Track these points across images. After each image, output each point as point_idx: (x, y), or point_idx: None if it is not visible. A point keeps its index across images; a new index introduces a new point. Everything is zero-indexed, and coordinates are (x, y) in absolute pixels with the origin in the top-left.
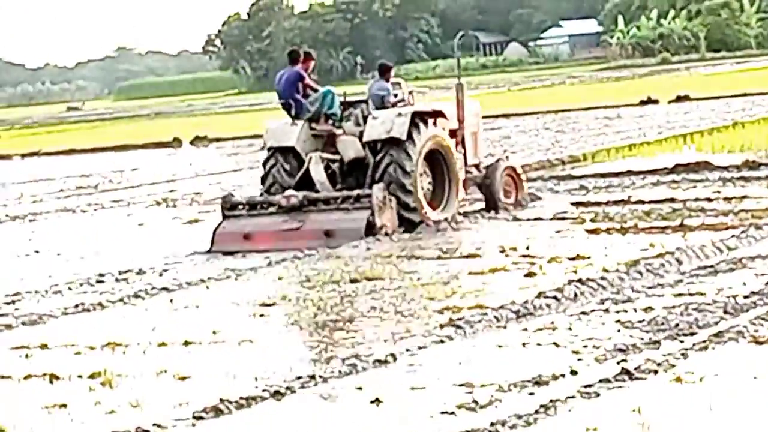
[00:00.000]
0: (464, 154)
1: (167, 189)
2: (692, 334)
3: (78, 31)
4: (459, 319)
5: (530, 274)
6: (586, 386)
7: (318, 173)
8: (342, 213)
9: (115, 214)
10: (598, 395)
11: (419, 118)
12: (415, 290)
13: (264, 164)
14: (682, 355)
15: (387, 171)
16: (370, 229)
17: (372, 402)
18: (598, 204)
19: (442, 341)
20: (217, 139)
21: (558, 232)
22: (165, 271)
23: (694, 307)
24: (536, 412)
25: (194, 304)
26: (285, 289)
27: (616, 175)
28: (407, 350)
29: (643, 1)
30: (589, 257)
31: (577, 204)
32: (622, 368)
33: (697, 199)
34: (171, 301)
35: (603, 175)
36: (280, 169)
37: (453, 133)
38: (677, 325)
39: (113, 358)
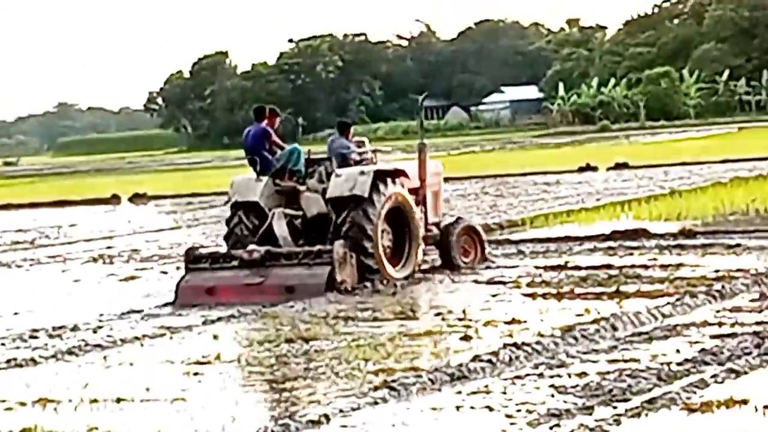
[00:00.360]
0: (425, 213)
1: (104, 245)
2: (626, 400)
3: (18, 85)
4: (393, 381)
5: (466, 338)
6: None
7: (280, 228)
8: (303, 268)
9: (51, 269)
10: None
11: (381, 176)
12: (350, 351)
13: (228, 220)
14: (615, 421)
15: (348, 232)
16: (331, 285)
17: None
18: (536, 268)
19: (376, 403)
20: (156, 197)
21: (494, 295)
22: (99, 327)
23: (628, 373)
24: None
25: (128, 361)
26: (220, 348)
27: (554, 240)
28: (341, 411)
29: (584, 68)
30: (524, 321)
31: (513, 267)
32: None
33: (633, 266)
34: (105, 358)
35: (541, 240)
36: (242, 224)
37: (415, 192)
38: (611, 390)
39: (44, 415)
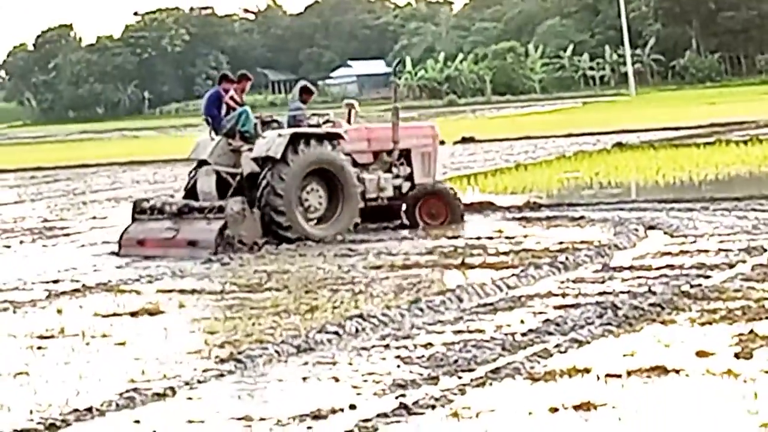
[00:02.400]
0: (411, 173)
1: None
2: (470, 370)
3: None
4: (239, 353)
5: (312, 309)
6: (364, 420)
7: (204, 184)
8: (204, 223)
9: None
10: (376, 429)
11: (300, 138)
12: (196, 324)
13: (189, 173)
14: (460, 390)
15: (263, 192)
16: (225, 240)
17: None
18: (380, 241)
19: (222, 375)
20: (0, 171)
21: (340, 267)
22: None
23: (473, 343)
24: None
25: None
26: (64, 322)
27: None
28: (186, 384)
29: (431, 43)
30: (371, 293)
31: (361, 241)
32: (401, 403)
33: (478, 238)
34: None
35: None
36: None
37: (388, 153)
38: (456, 361)
39: None
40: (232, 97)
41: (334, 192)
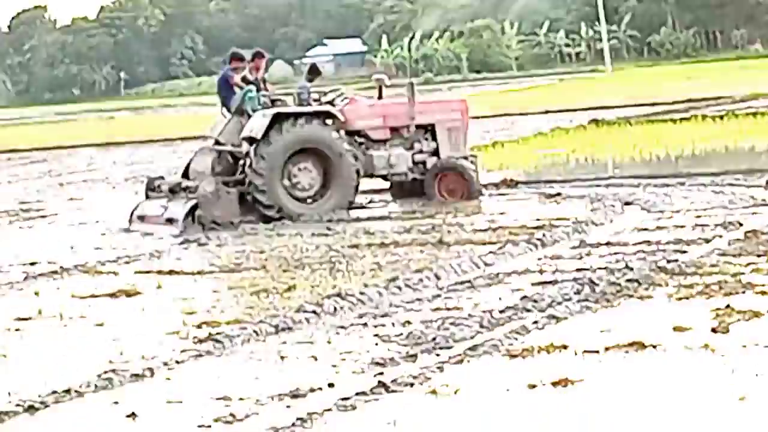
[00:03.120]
0: (436, 149)
1: None
2: (448, 347)
3: None
4: (218, 333)
5: (290, 288)
6: (343, 399)
7: (198, 163)
8: (183, 202)
9: None
10: (355, 408)
11: (282, 118)
12: (174, 304)
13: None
14: (438, 368)
15: (245, 171)
16: (196, 219)
17: (128, 416)
18: (357, 220)
19: (200, 355)
20: None
21: (317, 247)
22: None
23: (451, 321)
24: (293, 424)
25: None
26: (42, 304)
27: (377, 191)
28: (165, 364)
29: (407, 22)
30: (348, 272)
31: (338, 220)
32: (379, 381)
33: (456, 215)
34: None
35: (364, 192)
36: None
37: (400, 129)
38: (434, 339)
39: None
40: (244, 78)
41: (328, 171)
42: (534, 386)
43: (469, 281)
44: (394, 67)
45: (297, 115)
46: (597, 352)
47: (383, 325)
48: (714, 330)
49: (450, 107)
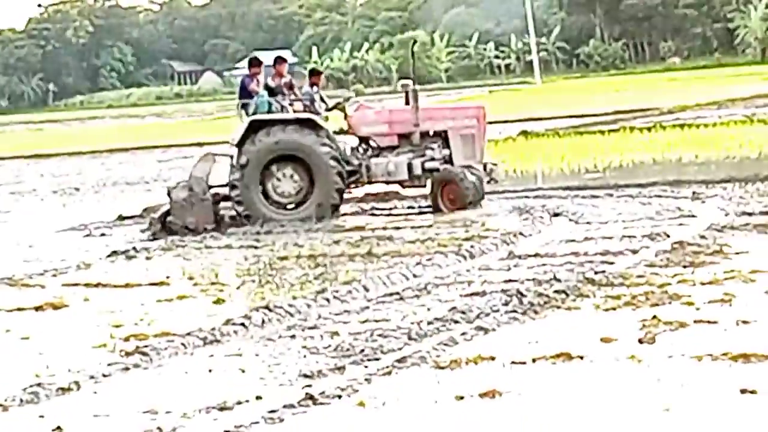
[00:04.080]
0: (449, 156)
1: None
2: (376, 359)
3: None
4: (145, 346)
5: (218, 301)
6: (270, 411)
7: (198, 169)
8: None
9: None
10: (282, 420)
11: (258, 126)
12: (101, 317)
13: None
14: (366, 380)
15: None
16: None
17: (54, 430)
18: (286, 232)
19: (127, 368)
20: None
21: (246, 259)
22: None
23: (380, 333)
24: None
25: None
26: None
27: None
28: (92, 378)
29: (338, 33)
30: (277, 284)
31: (267, 232)
32: (307, 393)
33: (385, 228)
34: None
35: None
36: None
37: (408, 135)
38: (362, 350)
39: None
40: (266, 84)
41: (311, 177)
42: (462, 398)
43: (397, 293)
44: (326, 78)
45: (272, 123)
46: (525, 363)
47: (311, 337)
48: (640, 341)
49: (465, 114)
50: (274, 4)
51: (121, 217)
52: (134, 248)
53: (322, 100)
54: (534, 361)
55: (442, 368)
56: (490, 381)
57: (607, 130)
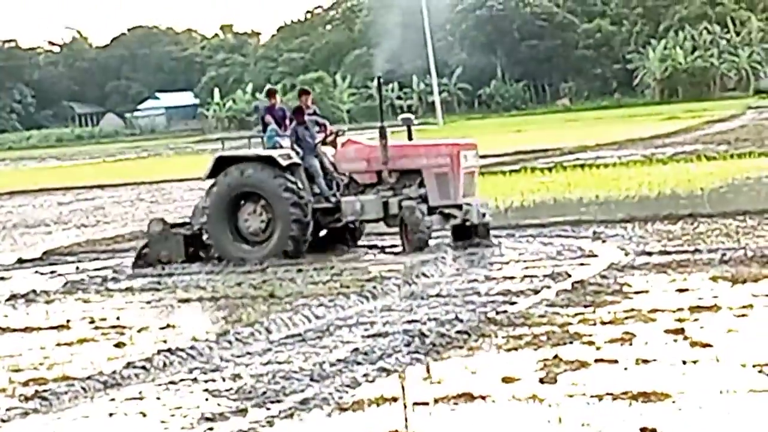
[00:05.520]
0: (425, 194)
1: None
2: (279, 401)
3: None
4: (45, 390)
5: (119, 344)
6: None
7: (203, 199)
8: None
9: None
10: None
11: (223, 163)
12: (0, 362)
13: None
14: (268, 422)
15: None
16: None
17: None
18: (189, 274)
19: (27, 413)
20: None
21: (149, 302)
22: None
23: (282, 375)
24: None
25: None
26: None
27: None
28: None
29: (240, 74)
30: (179, 327)
31: (169, 275)
32: None
33: (287, 270)
34: None
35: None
36: None
37: (389, 174)
38: (264, 392)
39: None
40: (300, 109)
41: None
42: None
43: (299, 334)
44: (227, 119)
45: (238, 160)
46: (427, 404)
47: (213, 380)
48: (542, 380)
49: (437, 152)
50: (176, 46)
51: (20, 260)
52: (34, 291)
53: (317, 124)
54: (436, 401)
55: (345, 410)
56: (392, 422)
57: (508, 170)
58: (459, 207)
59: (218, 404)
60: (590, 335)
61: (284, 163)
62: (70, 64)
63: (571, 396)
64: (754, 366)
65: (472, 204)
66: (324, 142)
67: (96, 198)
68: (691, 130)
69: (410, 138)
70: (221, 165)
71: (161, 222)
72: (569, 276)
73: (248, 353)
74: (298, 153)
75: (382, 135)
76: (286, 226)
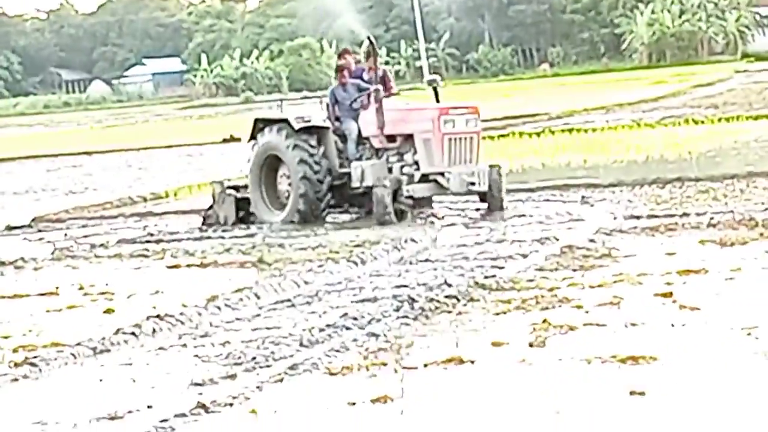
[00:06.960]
0: (416, 161)
1: None
2: (268, 366)
3: None
4: (35, 357)
5: (108, 311)
6: (162, 420)
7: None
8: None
9: None
10: (174, 429)
11: (264, 124)
12: None
13: None
14: (258, 387)
15: None
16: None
17: None
18: (178, 240)
19: (16, 380)
20: None
21: (138, 268)
22: None
23: (271, 340)
24: None
25: None
26: None
27: (198, 211)
28: None
29: (227, 40)
30: (168, 293)
31: (157, 241)
32: (198, 402)
33: (276, 237)
34: None
35: (185, 212)
36: None
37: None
38: (254, 358)
39: None
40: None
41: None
42: (354, 404)
43: (288, 300)
44: (214, 86)
45: (270, 122)
46: (416, 368)
47: (203, 346)
48: (531, 344)
49: (422, 116)
50: (163, 12)
51: (9, 227)
52: (22, 258)
53: (359, 89)
54: (425, 366)
55: (334, 374)
56: (381, 387)
57: (496, 135)
58: (442, 174)
59: (207, 370)
60: (578, 299)
61: (297, 126)
62: (57, 31)
63: (559, 360)
64: (742, 329)
65: (475, 171)
66: (364, 106)
67: (83, 165)
68: (679, 94)
69: (438, 100)
70: (259, 128)
71: (220, 184)
72: (557, 240)
73: (237, 319)
74: (337, 117)
75: (376, 99)
76: (296, 185)
